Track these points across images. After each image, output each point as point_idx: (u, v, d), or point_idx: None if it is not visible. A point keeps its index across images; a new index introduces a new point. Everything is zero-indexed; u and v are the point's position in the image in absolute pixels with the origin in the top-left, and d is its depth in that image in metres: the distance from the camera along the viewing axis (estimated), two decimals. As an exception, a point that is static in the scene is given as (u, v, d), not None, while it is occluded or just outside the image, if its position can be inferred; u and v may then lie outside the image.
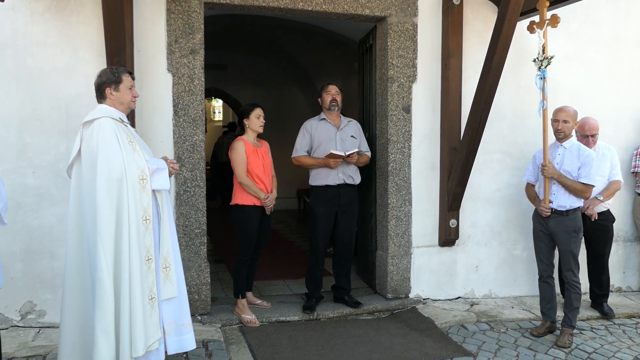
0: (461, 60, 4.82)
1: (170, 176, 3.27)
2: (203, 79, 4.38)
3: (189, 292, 4.33)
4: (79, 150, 3.07)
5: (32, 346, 3.75)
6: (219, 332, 4.11)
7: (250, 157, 4.34)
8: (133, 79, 3.28)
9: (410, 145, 4.88)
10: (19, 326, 4.01)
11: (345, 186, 4.60)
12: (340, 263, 4.78)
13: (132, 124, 4.01)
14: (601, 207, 4.59)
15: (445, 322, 4.43)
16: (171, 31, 4.27)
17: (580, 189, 4.01)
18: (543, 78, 4.10)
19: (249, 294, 4.62)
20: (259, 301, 4.67)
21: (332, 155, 4.41)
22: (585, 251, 4.72)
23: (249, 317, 4.33)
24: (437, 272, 4.99)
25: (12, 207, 3.83)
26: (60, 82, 4.08)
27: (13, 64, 3.98)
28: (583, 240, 4.44)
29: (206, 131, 4.65)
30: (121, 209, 2.97)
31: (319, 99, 4.71)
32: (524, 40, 4.84)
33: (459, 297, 5.04)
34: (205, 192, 4.44)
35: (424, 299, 4.94)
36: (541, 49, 4.13)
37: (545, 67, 4.08)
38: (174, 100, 4.31)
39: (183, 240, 4.36)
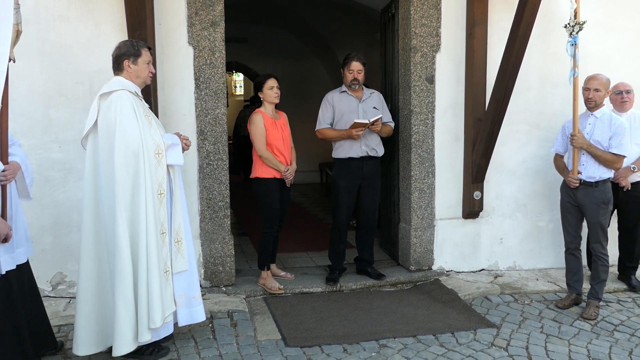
0: (486, 28, 4.68)
1: (183, 152, 3.29)
2: (224, 52, 4.35)
3: (213, 264, 4.43)
4: (95, 122, 3.08)
5: (63, 315, 3.87)
6: (243, 302, 4.17)
7: (269, 129, 4.33)
8: (152, 54, 3.27)
9: (433, 117, 4.80)
10: (50, 296, 4.14)
11: (368, 159, 4.57)
12: (363, 236, 4.78)
13: (155, 98, 4.04)
14: (635, 177, 4.44)
15: (469, 293, 4.42)
16: (191, 3, 4.24)
17: (610, 160, 3.91)
18: (574, 44, 3.97)
19: (273, 266, 4.66)
20: (282, 273, 4.71)
21: (355, 125, 4.36)
22: (615, 223, 4.63)
23: (274, 284, 4.38)
24: (461, 244, 4.96)
25: (40, 182, 3.92)
26: (83, 57, 4.10)
27: (37, 39, 4.01)
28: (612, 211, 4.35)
29: (228, 105, 4.63)
30: (138, 181, 3.01)
31: (342, 71, 4.64)
32: (552, 7, 4.69)
33: (482, 269, 5.02)
34: (227, 165, 4.46)
35: (447, 271, 4.93)
36: (573, 14, 3.99)
37: (577, 33, 3.95)
38: (195, 73, 4.31)
39: (207, 213, 4.41)
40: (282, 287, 4.38)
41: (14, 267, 2.97)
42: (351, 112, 4.53)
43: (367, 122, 4.35)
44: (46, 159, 4.09)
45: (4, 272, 2.85)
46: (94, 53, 4.08)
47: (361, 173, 4.57)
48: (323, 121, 4.60)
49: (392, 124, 4.73)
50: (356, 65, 4.53)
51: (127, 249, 2.98)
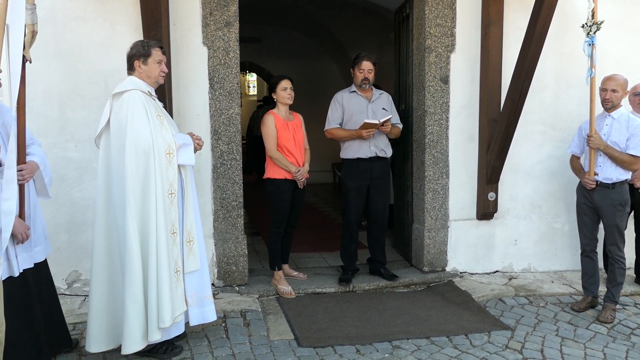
0: (502, 28, 4.65)
1: (195, 152, 3.29)
2: (238, 52, 4.37)
3: (227, 264, 4.44)
4: (108, 121, 3.10)
5: (78, 313, 3.91)
6: (256, 302, 4.18)
7: (280, 130, 4.32)
8: (164, 53, 3.27)
9: (447, 117, 4.78)
10: (65, 294, 4.18)
11: (377, 159, 4.55)
12: (374, 236, 4.77)
13: (169, 97, 4.06)
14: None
15: (483, 295, 4.39)
16: (206, 3, 4.26)
17: (627, 161, 3.86)
18: (591, 44, 3.92)
19: (286, 266, 4.67)
20: (295, 273, 4.71)
21: (366, 126, 4.34)
22: (632, 225, 4.55)
23: (285, 288, 4.38)
24: (475, 246, 4.92)
25: (56, 180, 3.96)
26: (99, 57, 4.13)
27: (53, 40, 4.05)
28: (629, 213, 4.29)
29: (241, 105, 4.64)
30: (148, 181, 3.02)
31: (352, 70, 4.62)
32: (568, 6, 4.64)
33: (496, 271, 4.98)
34: (241, 165, 4.47)
35: (461, 273, 4.90)
36: (590, 13, 3.94)
37: (595, 32, 3.90)
38: (209, 73, 4.32)
39: (220, 213, 4.42)
40: (293, 292, 4.37)
41: (32, 265, 3.00)
42: (360, 113, 4.52)
43: (378, 122, 4.34)
44: (62, 157, 4.13)
45: (17, 274, 2.86)
46: (110, 53, 4.12)
47: (370, 174, 4.55)
48: (332, 121, 4.58)
49: (401, 126, 4.71)
50: (367, 65, 4.52)
51: (136, 247, 2.99)
